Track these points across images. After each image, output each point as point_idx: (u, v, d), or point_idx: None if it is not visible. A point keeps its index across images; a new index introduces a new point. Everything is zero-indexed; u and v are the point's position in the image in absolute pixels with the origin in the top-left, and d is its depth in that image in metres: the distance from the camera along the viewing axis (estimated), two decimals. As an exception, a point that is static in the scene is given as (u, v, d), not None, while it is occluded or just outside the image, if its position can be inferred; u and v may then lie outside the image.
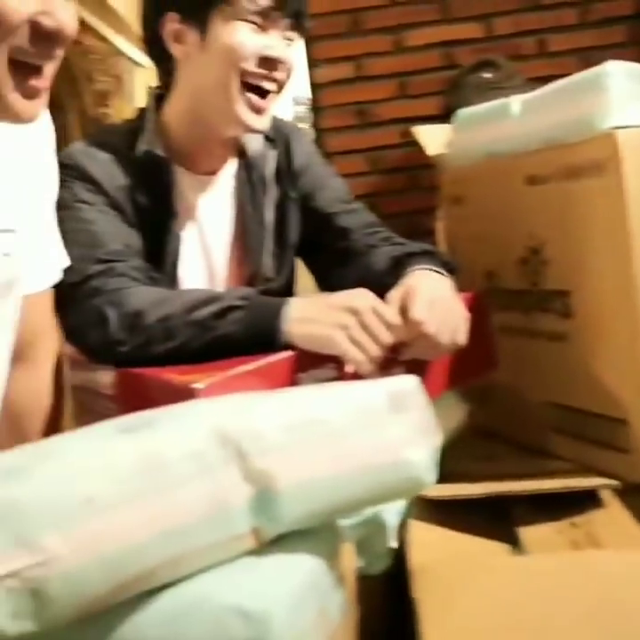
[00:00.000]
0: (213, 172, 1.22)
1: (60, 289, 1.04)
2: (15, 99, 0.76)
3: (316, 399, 0.65)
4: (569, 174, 1.00)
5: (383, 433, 0.65)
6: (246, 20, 1.10)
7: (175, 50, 1.14)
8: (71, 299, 1.03)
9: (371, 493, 0.65)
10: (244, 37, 1.10)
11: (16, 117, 0.78)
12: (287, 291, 1.29)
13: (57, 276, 1.05)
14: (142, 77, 4.64)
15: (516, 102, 1.12)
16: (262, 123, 1.14)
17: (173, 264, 1.16)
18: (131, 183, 1.13)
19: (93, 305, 1.01)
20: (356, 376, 0.91)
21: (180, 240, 1.17)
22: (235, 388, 0.83)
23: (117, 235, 1.08)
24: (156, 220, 1.14)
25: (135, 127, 1.18)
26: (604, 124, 0.95)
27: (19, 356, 1.04)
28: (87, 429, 0.62)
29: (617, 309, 0.94)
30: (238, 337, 0.94)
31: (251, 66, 1.10)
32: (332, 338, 0.90)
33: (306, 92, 3.18)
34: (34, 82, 0.76)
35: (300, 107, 4.96)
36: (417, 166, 2.39)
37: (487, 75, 2.32)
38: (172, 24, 1.13)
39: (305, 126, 4.81)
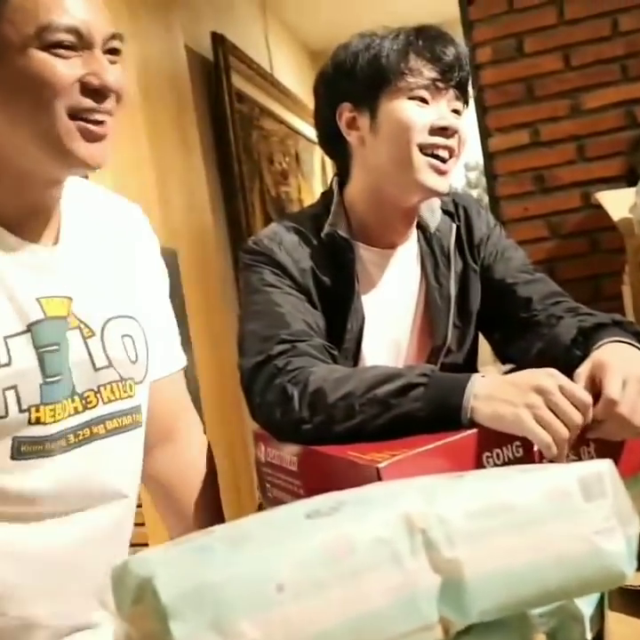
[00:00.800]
0: (394, 246, 1.25)
1: (246, 369, 1.09)
2: (79, 145, 0.87)
3: (503, 485, 0.63)
4: None
5: (575, 521, 0.62)
6: (413, 98, 1.14)
7: (350, 136, 1.20)
8: (256, 378, 1.07)
9: (563, 586, 0.61)
10: (413, 113, 1.14)
11: (82, 163, 0.89)
12: (469, 363, 1.27)
13: (181, 363, 1.15)
14: (318, 155, 4.83)
15: None
16: (445, 184, 1.17)
17: (357, 340, 1.19)
18: (315, 265, 1.17)
19: (277, 384, 1.04)
20: (544, 456, 0.88)
21: (363, 316, 1.19)
22: (417, 466, 0.83)
23: (301, 316, 1.12)
24: (339, 299, 1.18)
25: (319, 211, 1.23)
26: None
27: (162, 437, 1.13)
28: (275, 513, 0.64)
29: None
30: (420, 414, 0.93)
31: (424, 138, 1.14)
32: (520, 418, 0.87)
33: (477, 159, 3.18)
34: (93, 127, 0.87)
35: (471, 173, 4.97)
36: (598, 229, 2.32)
37: (673, 132, 2.23)
38: (346, 113, 1.19)
39: (477, 192, 4.81)
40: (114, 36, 0.90)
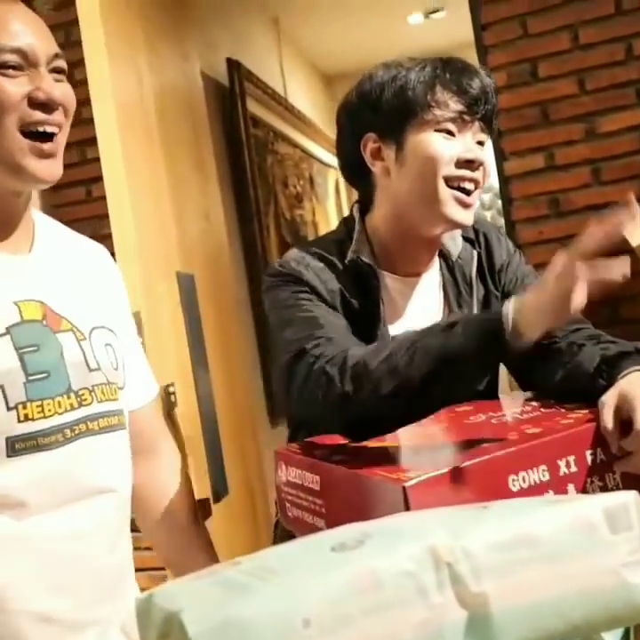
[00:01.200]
0: (417, 274, 1.25)
1: (283, 366, 1.09)
2: (29, 161, 0.95)
3: (529, 517, 0.63)
4: None
5: (602, 554, 0.61)
6: (439, 130, 1.14)
7: (375, 167, 1.20)
8: (293, 371, 1.07)
9: (590, 619, 0.61)
10: (440, 145, 1.14)
11: (34, 178, 0.96)
12: (490, 389, 1.27)
13: (153, 394, 1.22)
14: (332, 178, 4.85)
15: None
16: (470, 217, 1.17)
17: None
18: (341, 289, 1.18)
19: (315, 369, 1.04)
20: (571, 479, 0.88)
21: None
22: (444, 486, 0.83)
23: (334, 319, 1.13)
24: (366, 324, 1.18)
25: (341, 237, 1.23)
26: None
27: (138, 454, 1.16)
28: (300, 546, 0.63)
29: None
30: (466, 346, 0.93)
31: (451, 170, 1.14)
32: (553, 284, 0.89)
33: (491, 181, 3.17)
34: (45, 146, 0.96)
35: (485, 195, 4.98)
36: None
37: (689, 155, 2.22)
38: (371, 144, 1.20)
39: (490, 214, 4.81)
40: (57, 56, 0.98)
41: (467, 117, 1.15)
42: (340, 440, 1.08)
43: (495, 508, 0.67)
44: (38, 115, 0.95)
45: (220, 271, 2.64)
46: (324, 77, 5.26)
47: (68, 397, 0.98)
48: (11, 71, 0.94)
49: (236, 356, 2.67)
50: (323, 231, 4.52)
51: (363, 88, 1.20)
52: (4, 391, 0.93)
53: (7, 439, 0.93)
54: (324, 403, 1.02)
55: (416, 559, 0.57)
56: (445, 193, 1.14)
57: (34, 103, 0.95)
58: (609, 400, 0.93)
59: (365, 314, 1.18)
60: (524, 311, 0.90)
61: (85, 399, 1.00)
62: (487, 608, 0.57)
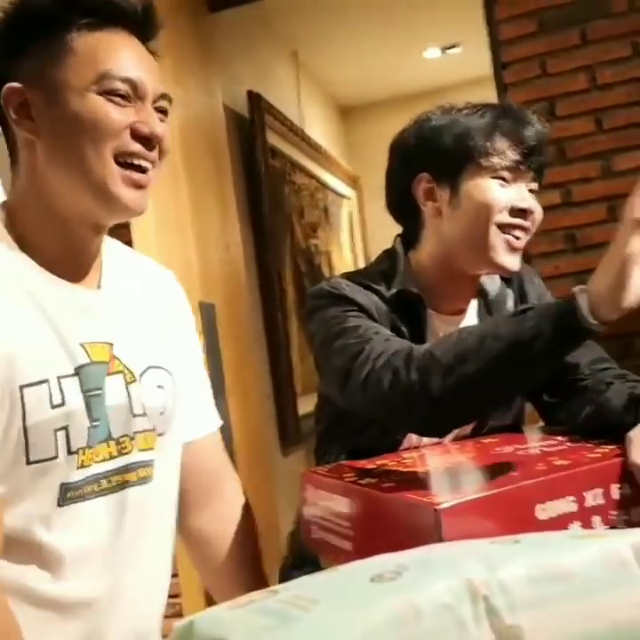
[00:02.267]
0: (458, 312, 1.26)
1: (340, 367, 1.09)
2: (120, 190, 0.93)
3: (561, 552, 0.64)
4: None
5: (631, 588, 0.63)
6: (495, 177, 1.16)
7: (426, 206, 1.22)
8: (353, 369, 1.06)
9: (622, 655, 0.62)
10: (496, 193, 1.15)
11: (125, 208, 0.95)
12: (516, 423, 1.28)
13: (216, 424, 1.16)
14: (346, 208, 4.90)
15: None
16: (517, 263, 1.18)
17: None
18: (390, 313, 1.19)
19: (379, 363, 1.03)
20: (597, 511, 0.89)
21: None
22: (475, 511, 0.84)
23: (385, 330, 1.14)
24: None
25: (386, 270, 1.24)
26: None
27: (202, 496, 1.13)
28: (338, 575, 0.65)
29: None
30: (539, 330, 0.92)
31: (504, 218, 1.15)
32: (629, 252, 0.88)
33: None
34: (136, 176, 0.94)
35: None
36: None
37: None
38: (424, 184, 1.21)
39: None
40: (163, 96, 0.97)
41: (522, 167, 1.16)
42: (367, 464, 1.09)
43: (527, 541, 0.69)
44: (137, 146, 0.93)
45: (237, 300, 2.67)
46: (340, 109, 5.32)
47: (108, 445, 0.94)
48: (119, 99, 0.92)
49: (250, 385, 2.69)
50: (336, 260, 4.55)
51: (420, 130, 1.21)
52: (67, 433, 0.89)
53: (62, 485, 0.90)
54: (390, 395, 1.01)
55: (454, 592, 0.59)
56: (497, 238, 1.15)
57: (135, 135, 0.93)
58: (637, 436, 0.94)
59: (413, 342, 1.15)
60: (596, 290, 0.89)
61: (125, 447, 0.96)
62: (521, 641, 0.59)
